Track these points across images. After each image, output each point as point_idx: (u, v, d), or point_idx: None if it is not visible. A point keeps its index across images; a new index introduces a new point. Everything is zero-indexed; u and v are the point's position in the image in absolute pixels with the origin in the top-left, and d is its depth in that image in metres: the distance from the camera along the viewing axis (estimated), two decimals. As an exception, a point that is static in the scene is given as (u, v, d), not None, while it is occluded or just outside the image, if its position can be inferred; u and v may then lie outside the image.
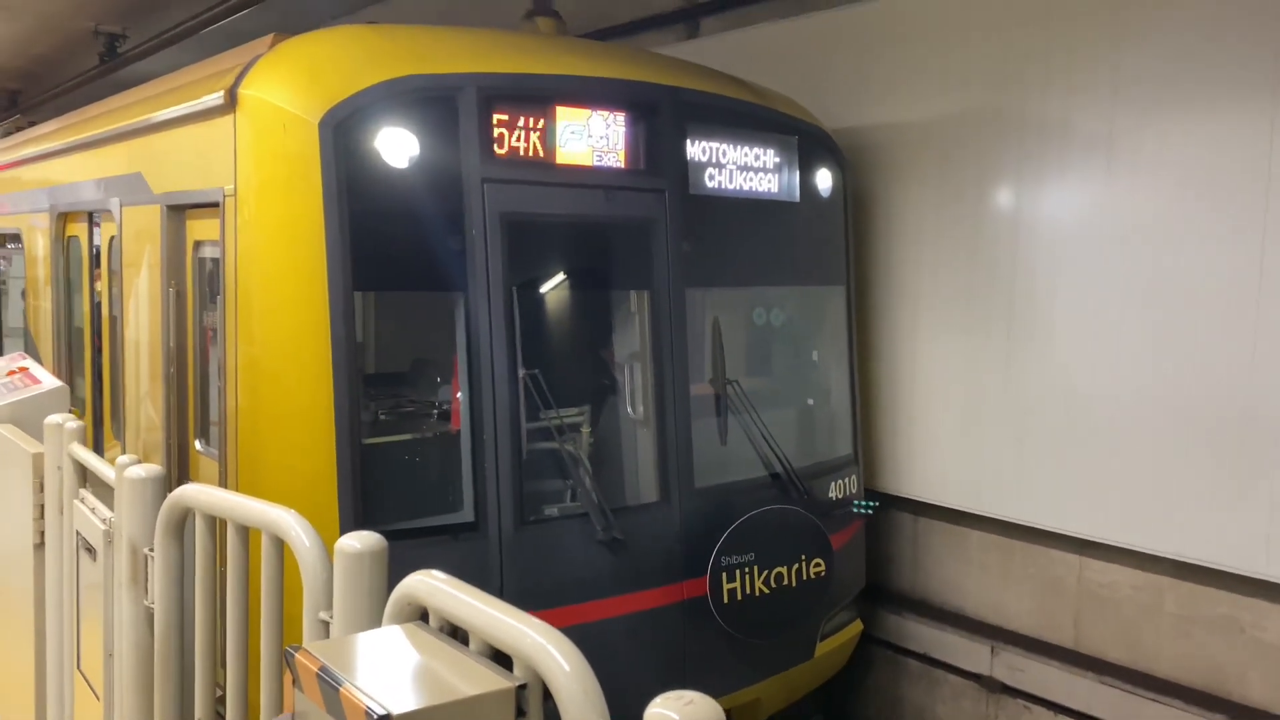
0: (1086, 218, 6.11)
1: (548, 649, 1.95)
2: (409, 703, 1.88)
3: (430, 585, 2.25)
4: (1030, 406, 6.43)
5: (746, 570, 5.79)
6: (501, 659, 2.13)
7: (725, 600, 5.69)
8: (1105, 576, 6.27)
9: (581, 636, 5.29)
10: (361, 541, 2.54)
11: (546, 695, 2.00)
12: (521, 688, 1.99)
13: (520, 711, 2.00)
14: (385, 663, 2.11)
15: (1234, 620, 5.69)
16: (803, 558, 6.06)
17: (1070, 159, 6.17)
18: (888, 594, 7.44)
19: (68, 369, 8.07)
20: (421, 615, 2.35)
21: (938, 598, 7.24)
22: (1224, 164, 5.49)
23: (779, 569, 5.93)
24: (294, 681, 2.10)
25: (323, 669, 2.01)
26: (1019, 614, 6.75)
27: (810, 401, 6.98)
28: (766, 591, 5.88)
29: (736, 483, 5.99)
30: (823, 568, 6.14)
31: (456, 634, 2.25)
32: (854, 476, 6.79)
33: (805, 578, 6.07)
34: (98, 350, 7.45)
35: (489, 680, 1.99)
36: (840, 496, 6.61)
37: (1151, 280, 5.81)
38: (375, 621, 2.47)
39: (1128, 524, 5.98)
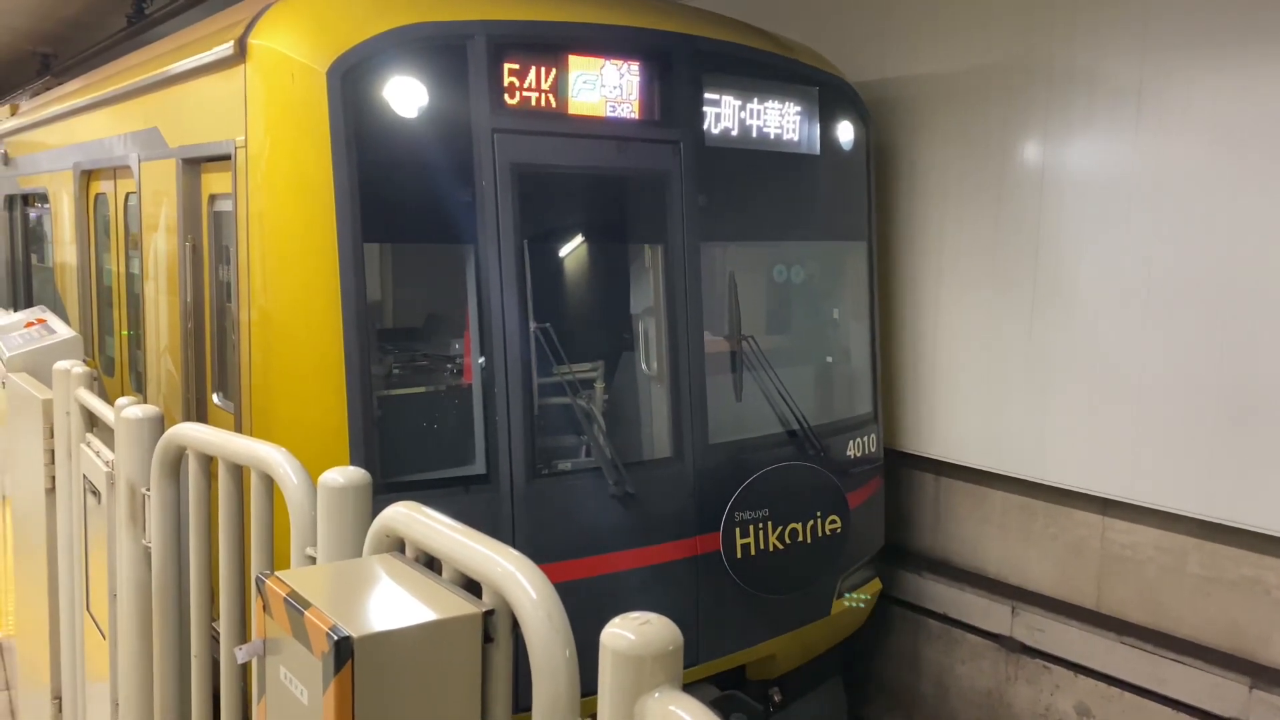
0: (1114, 171, 5.95)
1: (516, 576, 1.92)
2: (372, 625, 1.87)
3: (406, 515, 2.23)
4: (1054, 364, 6.31)
5: (760, 526, 5.75)
6: (476, 590, 2.10)
7: (739, 555, 5.66)
8: (1128, 537, 6.16)
9: (594, 590, 5.30)
10: (345, 476, 2.52)
11: (516, 625, 1.97)
12: (489, 614, 1.97)
13: (489, 638, 1.98)
14: (354, 589, 2.10)
15: (1258, 581, 5.57)
16: (818, 514, 6.01)
17: (1097, 111, 6.01)
18: (908, 554, 7.37)
19: (95, 327, 8.16)
20: (401, 547, 2.34)
21: (959, 558, 7.17)
22: (1258, 117, 5.31)
23: (794, 525, 5.89)
24: (264, 608, 2.09)
25: (290, 594, 2.00)
26: (1040, 575, 6.66)
27: (829, 359, 6.90)
28: (781, 547, 5.84)
29: (751, 439, 5.93)
30: (839, 525, 6.09)
31: (433, 565, 2.23)
32: (873, 435, 6.71)
33: (821, 534, 6.02)
34: (121, 306, 7.51)
35: (456, 605, 1.97)
36: (859, 455, 6.53)
37: (1181, 235, 5.65)
38: (358, 555, 2.46)
39: (1152, 483, 5.86)
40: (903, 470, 7.40)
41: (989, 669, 6.81)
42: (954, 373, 6.93)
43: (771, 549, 5.80)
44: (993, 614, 6.73)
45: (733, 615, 5.74)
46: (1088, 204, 6.08)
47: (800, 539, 5.93)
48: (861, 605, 6.60)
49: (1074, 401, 6.22)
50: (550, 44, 5.25)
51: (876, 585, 6.87)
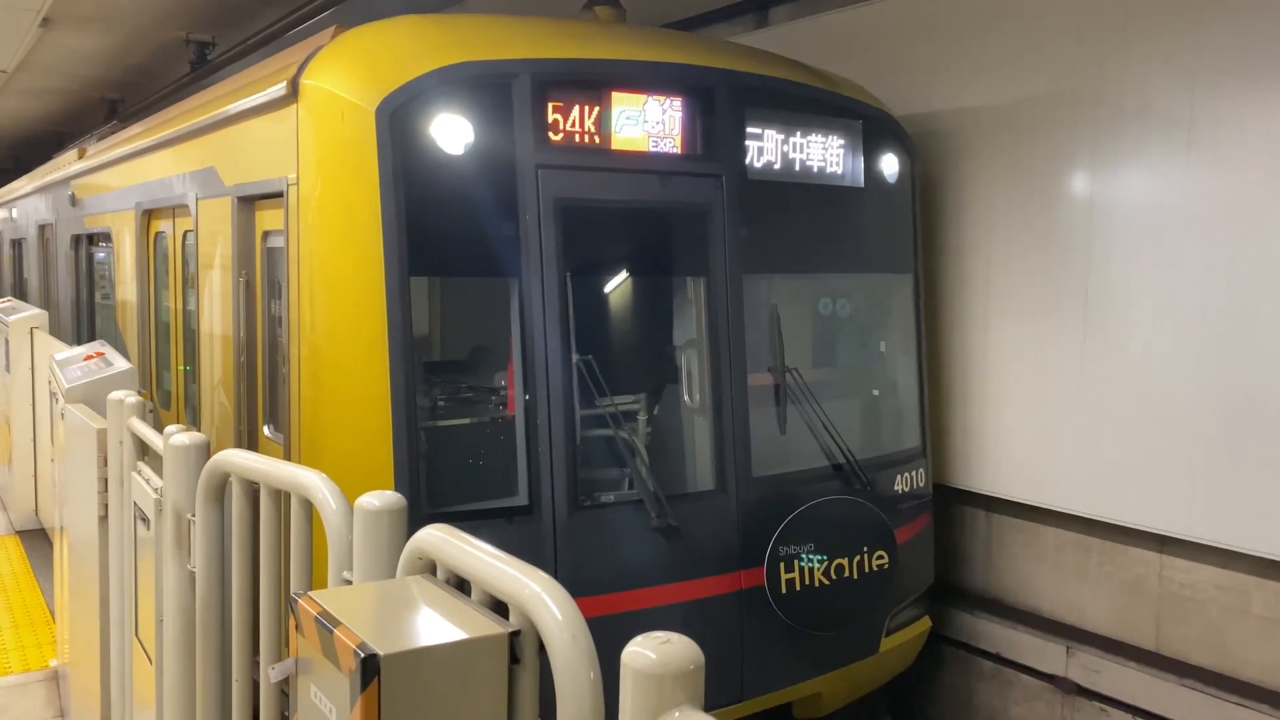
0: (1165, 202, 5.86)
1: (542, 597, 1.92)
2: (398, 643, 1.88)
3: (437, 538, 2.25)
4: (1107, 397, 6.19)
5: (806, 560, 5.68)
6: (505, 612, 2.11)
7: (783, 590, 5.60)
8: (1188, 576, 5.99)
9: (637, 623, 5.25)
10: (380, 500, 2.55)
11: (543, 646, 1.97)
12: (515, 634, 1.97)
13: (515, 659, 1.98)
14: (384, 609, 2.11)
15: (1325, 621, 5.38)
16: (865, 549, 5.93)
17: (1148, 142, 5.93)
18: (960, 592, 7.24)
19: (153, 361, 8.36)
20: (433, 570, 2.35)
21: (1011, 596, 7.02)
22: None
23: (840, 560, 5.81)
24: (297, 627, 2.11)
25: (321, 613, 2.02)
26: (1096, 614, 6.49)
27: (875, 392, 6.84)
28: (827, 583, 5.76)
29: (796, 472, 5.89)
30: (886, 560, 6.00)
31: (464, 588, 2.24)
32: (921, 470, 6.62)
33: (867, 570, 5.94)
34: (178, 341, 7.70)
35: (483, 626, 1.97)
36: (907, 489, 6.45)
37: (1235, 265, 5.54)
38: (392, 577, 2.48)
39: (1211, 519, 5.71)
40: (954, 506, 7.28)
41: (1044, 711, 6.64)
42: (1004, 406, 6.83)
43: (817, 584, 5.73)
44: (1047, 654, 6.57)
45: (777, 652, 5.66)
46: (1139, 234, 5.99)
47: (847, 574, 5.85)
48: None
49: (1127, 435, 6.08)
50: (593, 81, 5.33)
51: (926, 623, 6.74)
